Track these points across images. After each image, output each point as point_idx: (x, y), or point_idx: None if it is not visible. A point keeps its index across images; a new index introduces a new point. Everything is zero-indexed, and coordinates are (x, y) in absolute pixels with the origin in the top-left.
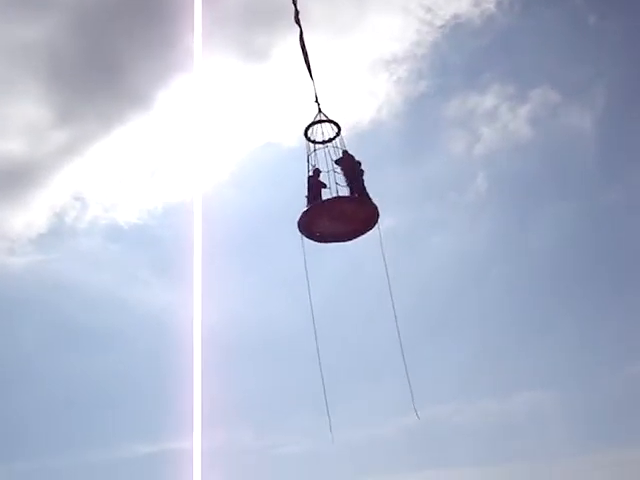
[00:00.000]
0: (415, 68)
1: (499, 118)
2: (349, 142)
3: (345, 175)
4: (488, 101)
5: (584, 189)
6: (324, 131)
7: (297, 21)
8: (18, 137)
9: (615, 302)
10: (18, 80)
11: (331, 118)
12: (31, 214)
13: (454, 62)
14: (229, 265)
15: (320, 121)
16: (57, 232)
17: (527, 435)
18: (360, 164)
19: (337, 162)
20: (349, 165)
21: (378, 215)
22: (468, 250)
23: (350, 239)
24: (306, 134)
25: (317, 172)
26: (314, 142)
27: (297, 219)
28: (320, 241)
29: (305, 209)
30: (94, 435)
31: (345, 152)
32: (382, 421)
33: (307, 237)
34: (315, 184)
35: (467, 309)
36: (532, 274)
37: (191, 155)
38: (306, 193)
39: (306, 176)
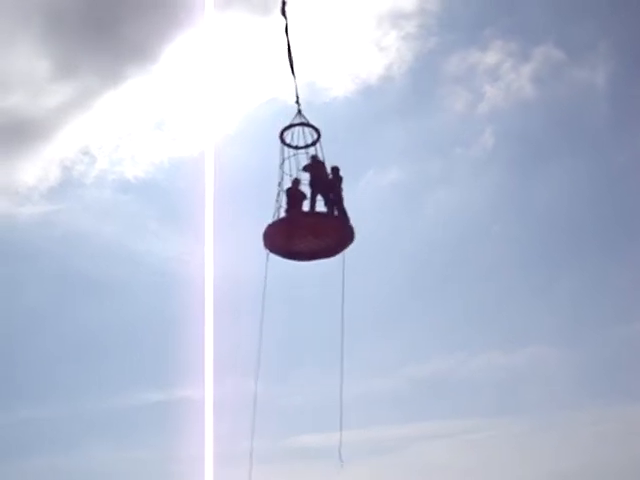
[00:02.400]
0: (425, 24)
1: (503, 75)
2: (359, 97)
3: (310, 185)
4: (490, 57)
5: (591, 148)
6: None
7: (283, 12)
8: (20, 90)
9: (622, 260)
10: (15, 31)
11: (311, 123)
12: (39, 168)
13: (463, 18)
14: (235, 217)
15: (292, 125)
16: (65, 185)
17: (531, 389)
18: (338, 171)
19: (305, 169)
20: (318, 174)
21: (353, 236)
22: (473, 205)
23: (319, 258)
24: (282, 137)
25: (297, 182)
26: (291, 147)
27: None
28: (288, 258)
29: (270, 225)
30: (104, 383)
31: (314, 157)
32: (389, 372)
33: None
34: (295, 196)
35: (472, 263)
36: (537, 230)
37: (197, 109)
38: (282, 204)
39: (279, 185)
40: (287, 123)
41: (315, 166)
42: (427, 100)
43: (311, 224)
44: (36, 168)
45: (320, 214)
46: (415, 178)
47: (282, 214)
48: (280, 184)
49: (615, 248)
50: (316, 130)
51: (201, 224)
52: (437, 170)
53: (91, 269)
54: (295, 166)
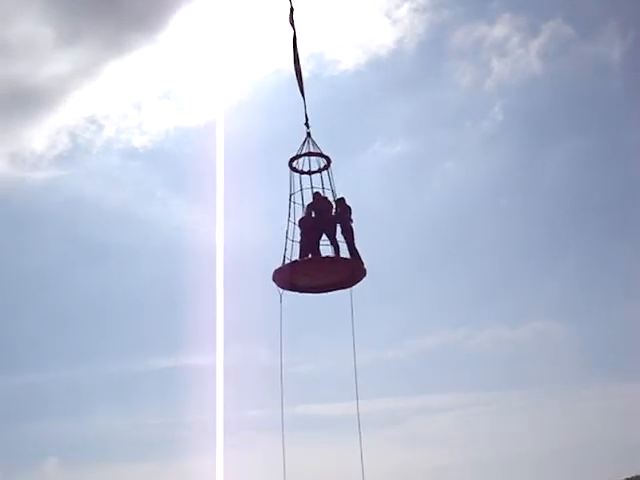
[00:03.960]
0: None
1: (511, 50)
2: (369, 69)
3: (315, 224)
4: (498, 31)
5: (601, 126)
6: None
7: (291, 21)
8: (25, 58)
9: (629, 238)
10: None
11: (322, 152)
12: (46, 136)
13: None
14: (242, 184)
15: (299, 156)
16: (73, 153)
17: (536, 364)
18: (344, 201)
19: (308, 207)
20: (323, 212)
21: (365, 274)
22: (481, 178)
23: (329, 291)
24: (291, 165)
25: (309, 212)
26: (303, 173)
27: (273, 273)
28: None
29: (277, 271)
30: (111, 349)
31: (317, 194)
32: (396, 344)
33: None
34: (308, 227)
35: (479, 237)
36: (545, 206)
37: (203, 79)
38: (293, 238)
39: (288, 220)
40: (292, 94)
41: (318, 203)
42: (436, 73)
43: (319, 270)
44: (43, 136)
45: (327, 259)
46: (422, 151)
47: (295, 248)
48: (289, 218)
49: (623, 226)
50: (326, 158)
51: (208, 191)
52: (444, 143)
53: (98, 234)
54: (307, 195)
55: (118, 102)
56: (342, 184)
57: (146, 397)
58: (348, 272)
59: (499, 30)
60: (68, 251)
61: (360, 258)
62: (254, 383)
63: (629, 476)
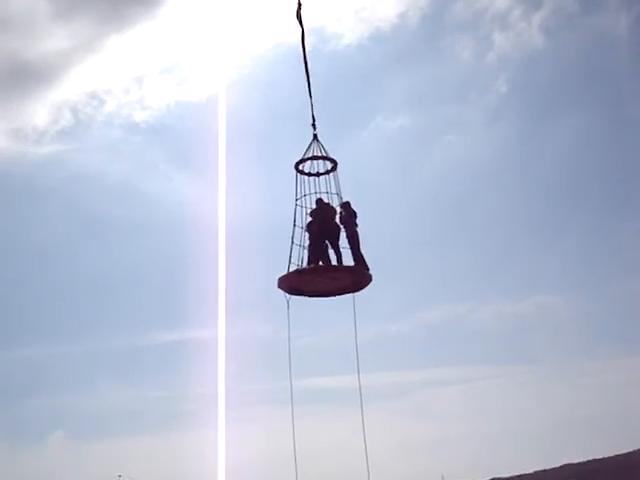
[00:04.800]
0: None
1: (513, 24)
2: (373, 44)
3: (318, 232)
4: (499, 3)
5: (606, 101)
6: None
7: (299, 17)
8: (21, 32)
9: (630, 212)
10: None
11: (328, 155)
12: (48, 111)
13: None
14: (243, 160)
15: (304, 160)
16: (74, 128)
17: (538, 337)
18: (349, 205)
19: (310, 214)
20: (326, 218)
21: (370, 280)
22: (482, 151)
23: (336, 295)
24: (297, 167)
25: (314, 218)
26: (311, 175)
27: (277, 281)
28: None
29: (281, 278)
30: (114, 323)
31: (320, 201)
32: (399, 318)
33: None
34: (316, 234)
35: (481, 211)
36: (548, 180)
37: (204, 54)
38: (299, 243)
39: (294, 224)
40: (292, 67)
41: (321, 210)
42: (438, 47)
43: (324, 278)
44: (45, 111)
45: (332, 268)
46: (423, 124)
47: (301, 253)
48: (294, 223)
49: (624, 202)
50: (332, 161)
51: (210, 166)
52: (446, 117)
53: (101, 209)
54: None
55: (119, 77)
56: (345, 158)
57: (149, 371)
58: (353, 279)
59: (501, 2)
60: (71, 225)
61: (365, 264)
62: (256, 357)
63: (633, 449)
